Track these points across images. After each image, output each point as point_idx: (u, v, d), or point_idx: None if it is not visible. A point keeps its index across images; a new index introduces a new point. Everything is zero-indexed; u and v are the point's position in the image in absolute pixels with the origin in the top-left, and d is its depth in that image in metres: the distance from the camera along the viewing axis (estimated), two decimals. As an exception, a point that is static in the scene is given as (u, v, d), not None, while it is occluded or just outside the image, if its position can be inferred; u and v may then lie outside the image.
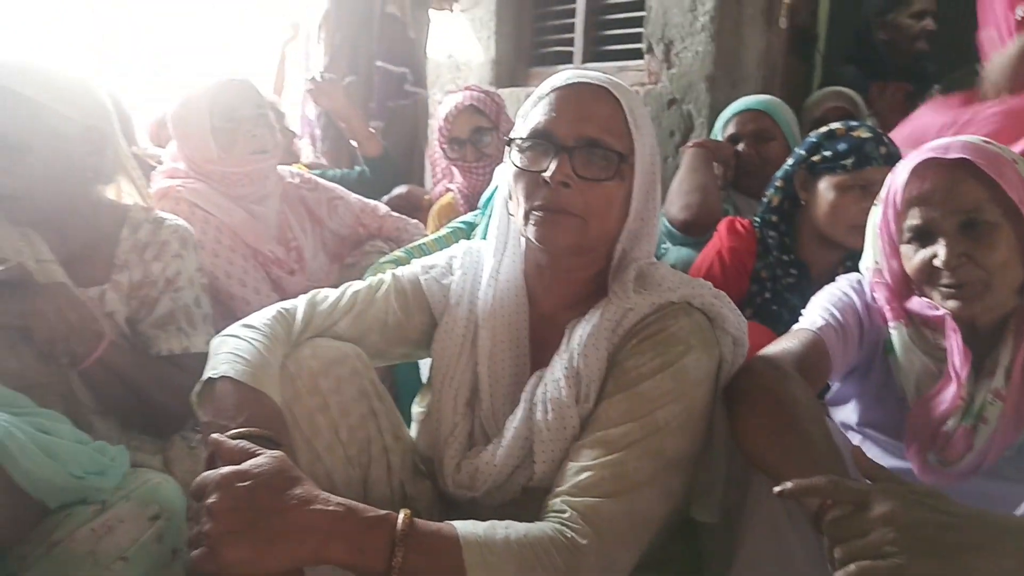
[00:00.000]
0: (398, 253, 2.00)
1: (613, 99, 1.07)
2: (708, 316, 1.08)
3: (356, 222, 2.17)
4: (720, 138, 2.40)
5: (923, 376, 1.20)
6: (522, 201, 1.08)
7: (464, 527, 0.90)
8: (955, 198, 1.11)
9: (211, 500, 0.83)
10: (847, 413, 1.32)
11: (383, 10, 3.17)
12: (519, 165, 1.08)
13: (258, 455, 0.88)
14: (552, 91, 1.09)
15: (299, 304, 1.18)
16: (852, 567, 0.78)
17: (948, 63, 2.47)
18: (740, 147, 2.32)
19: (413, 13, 3.29)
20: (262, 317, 1.13)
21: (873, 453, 1.22)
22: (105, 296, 1.42)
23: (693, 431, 1.04)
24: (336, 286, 1.24)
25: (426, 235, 2.27)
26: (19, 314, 1.25)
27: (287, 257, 1.98)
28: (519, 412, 1.10)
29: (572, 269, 1.13)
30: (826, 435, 0.97)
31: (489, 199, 2.12)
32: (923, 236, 1.15)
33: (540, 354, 1.15)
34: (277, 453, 0.89)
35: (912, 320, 1.21)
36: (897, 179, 1.19)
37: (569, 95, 1.07)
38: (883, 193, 1.23)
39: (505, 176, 1.14)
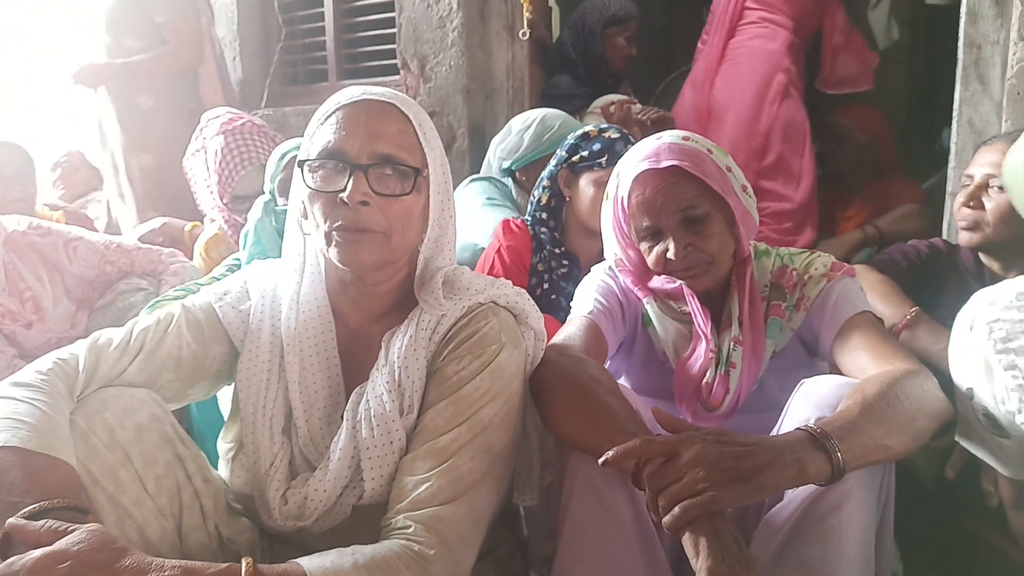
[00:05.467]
0: (191, 287, 1.88)
1: (401, 115, 1.08)
2: (513, 313, 1.15)
3: (102, 261, 2.09)
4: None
5: (678, 339, 1.37)
6: (321, 223, 1.06)
7: (310, 562, 0.89)
8: (673, 200, 1.28)
9: None
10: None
11: None
12: (313, 186, 1.06)
13: (71, 531, 0.80)
14: (338, 108, 1.08)
15: (79, 352, 1.06)
16: (676, 509, 0.90)
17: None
18: None
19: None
20: (35, 372, 1.01)
21: (649, 416, 1.38)
22: None
23: (514, 423, 1.10)
24: (89, 332, 1.14)
25: (185, 264, 2.18)
26: None
27: (21, 309, 1.86)
28: (343, 432, 1.08)
29: (377, 283, 1.13)
30: (625, 404, 1.08)
31: (246, 235, 2.08)
32: (654, 234, 1.32)
33: (353, 371, 1.14)
34: (94, 526, 0.82)
35: (657, 295, 1.38)
36: (621, 185, 1.34)
37: (357, 112, 1.06)
38: (612, 193, 1.38)
39: (296, 196, 1.13)
